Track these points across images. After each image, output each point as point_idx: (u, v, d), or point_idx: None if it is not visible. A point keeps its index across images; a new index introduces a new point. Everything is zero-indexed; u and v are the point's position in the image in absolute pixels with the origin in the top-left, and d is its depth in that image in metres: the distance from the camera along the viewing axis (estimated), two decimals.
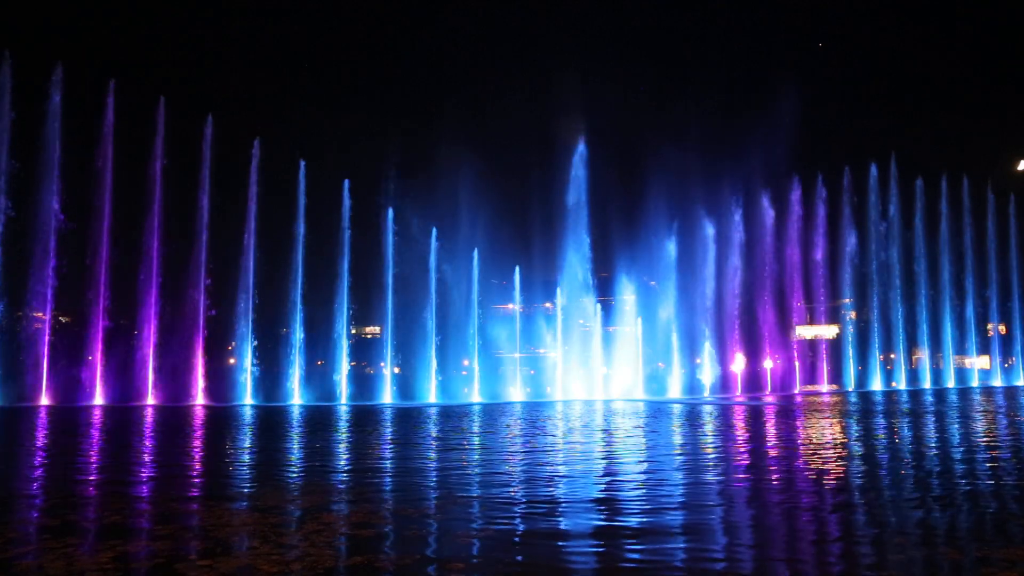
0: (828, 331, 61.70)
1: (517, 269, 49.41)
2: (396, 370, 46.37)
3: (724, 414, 29.66)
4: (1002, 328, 65.92)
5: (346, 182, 46.54)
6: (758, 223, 55.33)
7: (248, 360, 42.59)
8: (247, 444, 20.16)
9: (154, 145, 43.02)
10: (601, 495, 11.11)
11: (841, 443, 18.42)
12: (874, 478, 12.78)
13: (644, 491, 11.37)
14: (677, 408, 33.97)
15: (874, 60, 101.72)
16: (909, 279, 60.67)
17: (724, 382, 53.29)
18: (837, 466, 14.07)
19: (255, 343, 42.95)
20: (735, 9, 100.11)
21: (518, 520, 9.26)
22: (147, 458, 16.70)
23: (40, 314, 40.53)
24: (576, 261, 49.87)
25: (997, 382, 64.34)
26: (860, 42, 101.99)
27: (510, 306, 50.63)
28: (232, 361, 44.32)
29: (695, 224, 53.33)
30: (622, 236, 52.36)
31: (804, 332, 60.50)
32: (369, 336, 50.37)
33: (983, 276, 64.48)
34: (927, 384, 60.44)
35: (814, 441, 18.95)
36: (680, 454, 16.44)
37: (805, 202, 57.35)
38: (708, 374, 52.11)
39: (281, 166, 46.17)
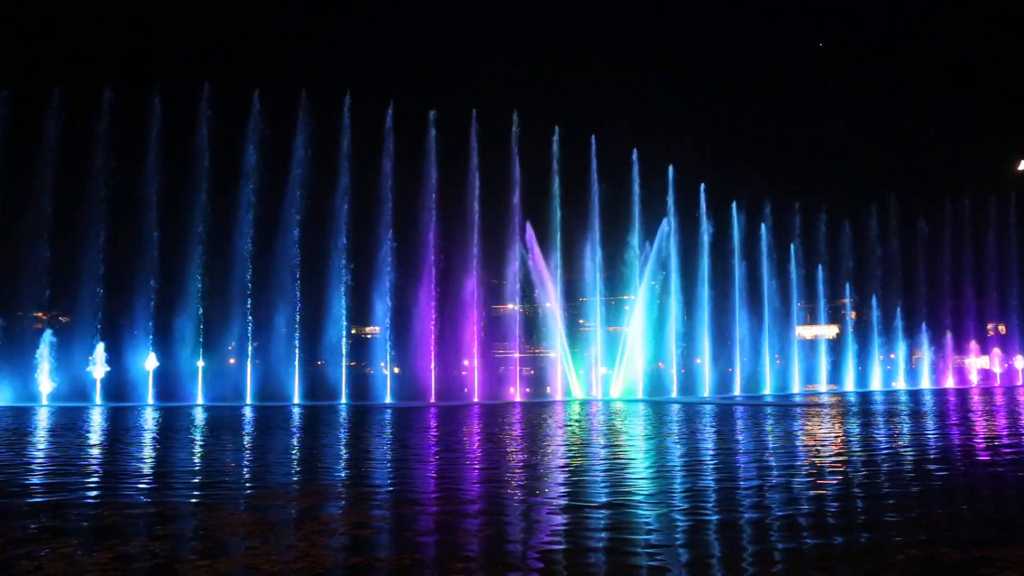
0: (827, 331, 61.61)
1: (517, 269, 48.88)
2: (396, 370, 45.95)
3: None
4: (1002, 328, 65.85)
5: None
6: None
7: None
8: None
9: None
10: None
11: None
12: None
13: None
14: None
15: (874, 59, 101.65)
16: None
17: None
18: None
19: None
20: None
21: None
22: None
23: None
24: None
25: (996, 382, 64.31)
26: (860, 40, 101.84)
27: (510, 306, 50.09)
28: None
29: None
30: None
31: (805, 332, 60.39)
32: (369, 335, 49.84)
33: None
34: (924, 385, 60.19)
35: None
36: None
37: None
38: None
39: None
